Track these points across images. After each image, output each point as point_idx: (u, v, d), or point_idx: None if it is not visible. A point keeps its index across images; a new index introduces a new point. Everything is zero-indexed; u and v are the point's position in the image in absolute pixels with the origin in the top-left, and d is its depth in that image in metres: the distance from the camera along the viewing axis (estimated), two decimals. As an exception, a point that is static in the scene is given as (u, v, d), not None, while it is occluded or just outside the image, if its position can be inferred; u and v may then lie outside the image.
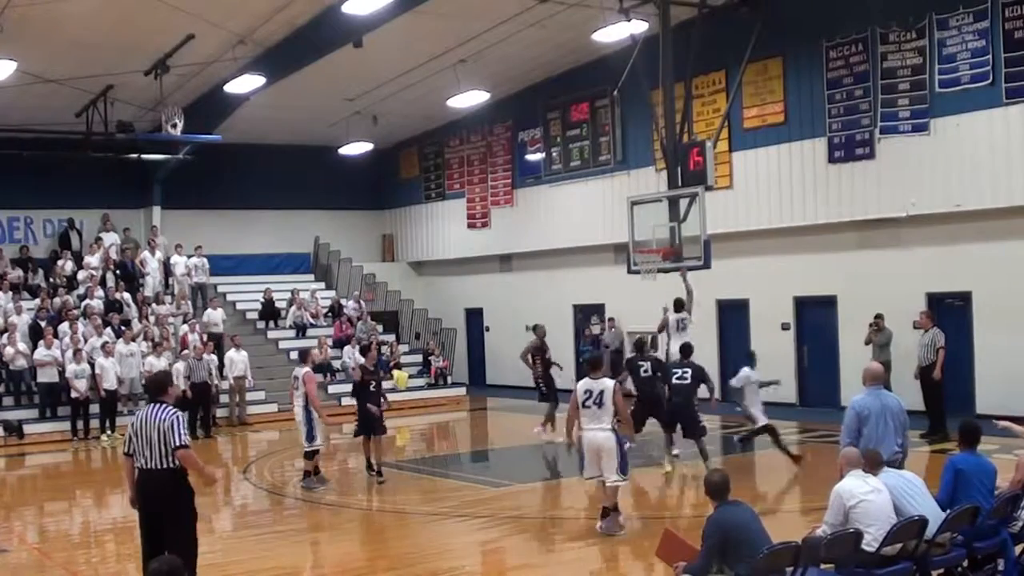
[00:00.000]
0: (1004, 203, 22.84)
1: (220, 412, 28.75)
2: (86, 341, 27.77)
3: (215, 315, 31.05)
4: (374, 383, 19.79)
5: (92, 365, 26.64)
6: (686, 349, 20.06)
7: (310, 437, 18.78)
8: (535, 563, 13.82)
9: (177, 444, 10.76)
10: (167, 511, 10.89)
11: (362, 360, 21.48)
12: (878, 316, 24.44)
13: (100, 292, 30.98)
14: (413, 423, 29.59)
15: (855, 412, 12.22)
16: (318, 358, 20.92)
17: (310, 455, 18.99)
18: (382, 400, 19.92)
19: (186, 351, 27.98)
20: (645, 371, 19.90)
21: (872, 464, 10.60)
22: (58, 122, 29.78)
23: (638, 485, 19.56)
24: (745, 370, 20.04)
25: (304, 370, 19.00)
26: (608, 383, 14.70)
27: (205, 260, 33.96)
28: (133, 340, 28.36)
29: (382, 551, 14.66)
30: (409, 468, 20.54)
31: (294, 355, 32.25)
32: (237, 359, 28.46)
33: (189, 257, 33.67)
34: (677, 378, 19.34)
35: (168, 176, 35.31)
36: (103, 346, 27.23)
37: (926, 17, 23.90)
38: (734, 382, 20.00)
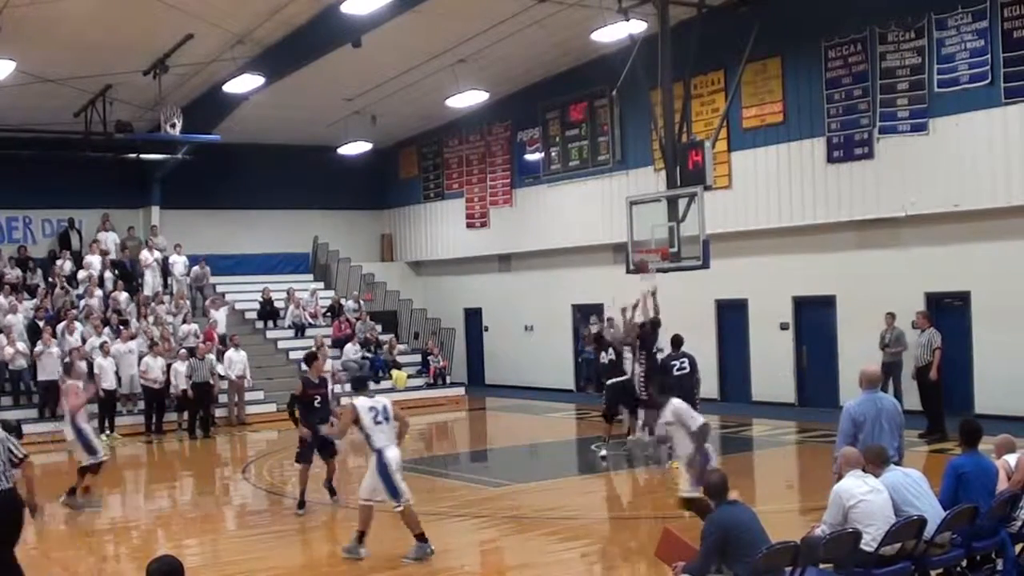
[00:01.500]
0: (1003, 203, 22.83)
1: (219, 412, 28.74)
2: (84, 341, 27.80)
3: (219, 315, 31.05)
4: (319, 398, 17.15)
5: (91, 365, 26.62)
6: (677, 340, 20.54)
7: (90, 450, 17.75)
8: (534, 563, 13.81)
9: (24, 454, 10.56)
10: (12, 534, 10.41)
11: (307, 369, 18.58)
12: (889, 315, 24.29)
13: (99, 292, 31.00)
14: (412, 423, 29.39)
15: (851, 417, 11.96)
16: (82, 370, 19.63)
17: (85, 470, 17.81)
18: (331, 419, 16.96)
19: (183, 351, 28.01)
20: (680, 368, 19.91)
21: (878, 460, 10.59)
22: (57, 122, 29.79)
23: (636, 484, 19.59)
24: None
25: (67, 383, 18.29)
26: (384, 398, 14.50)
27: (208, 270, 34.13)
28: (131, 339, 28.33)
29: (381, 551, 14.64)
30: (408, 468, 20.46)
31: (293, 355, 32.30)
32: (236, 359, 28.46)
33: (192, 266, 33.71)
34: (677, 369, 19.76)
35: (167, 176, 35.29)
36: (101, 346, 27.25)
37: (925, 17, 23.89)
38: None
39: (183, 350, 28.13)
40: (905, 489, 10.27)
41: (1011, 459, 11.24)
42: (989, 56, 22.77)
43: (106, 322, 29.26)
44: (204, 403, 27.25)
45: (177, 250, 33.73)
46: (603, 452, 20.73)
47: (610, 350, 21.75)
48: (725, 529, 9.18)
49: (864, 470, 10.29)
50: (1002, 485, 10.99)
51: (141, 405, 27.72)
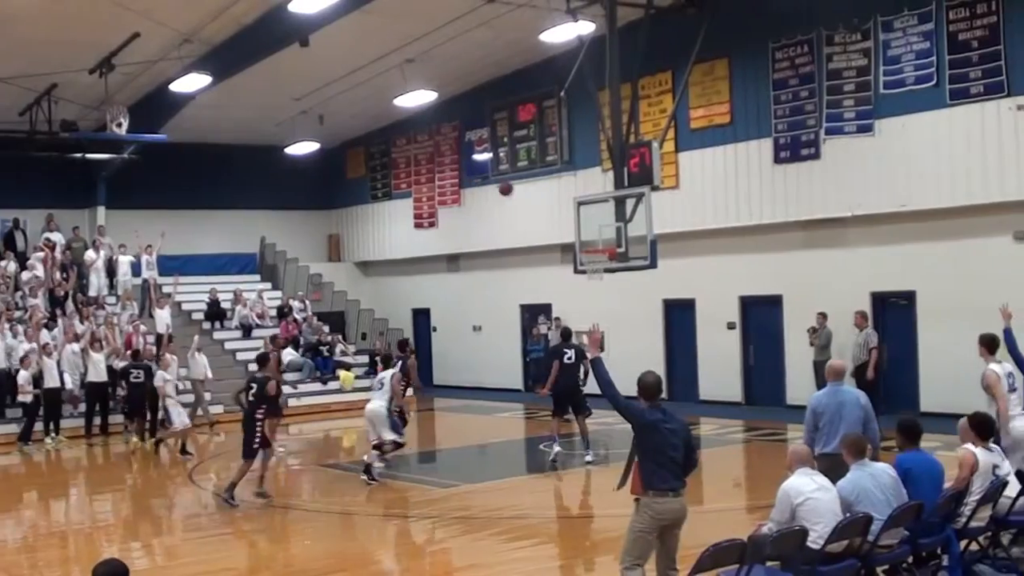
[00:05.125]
0: (948, 203, 23.05)
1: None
2: (30, 342, 27.46)
3: (162, 315, 30.67)
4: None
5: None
6: (567, 333, 21.56)
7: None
8: (483, 563, 13.81)
9: None
10: None
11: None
12: (820, 315, 24.67)
13: (44, 292, 30.70)
14: (360, 424, 29.43)
15: (811, 408, 12.55)
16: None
17: None
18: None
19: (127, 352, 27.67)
20: (568, 358, 20.45)
21: (853, 450, 10.62)
22: (1, 121, 29.52)
23: (585, 483, 19.63)
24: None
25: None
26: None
27: (153, 258, 33.63)
28: (77, 340, 28.01)
29: (330, 552, 14.62)
30: (357, 469, 20.49)
31: (241, 356, 32.11)
32: (199, 361, 28.11)
33: (137, 256, 33.23)
34: (567, 359, 20.39)
35: (113, 176, 35.03)
36: (44, 347, 26.91)
37: (871, 19, 24.09)
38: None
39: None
40: (867, 492, 10.28)
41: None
42: (934, 58, 22.99)
43: (53, 318, 29.01)
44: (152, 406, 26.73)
45: (122, 250, 33.40)
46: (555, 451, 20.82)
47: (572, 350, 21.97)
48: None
49: (809, 466, 10.36)
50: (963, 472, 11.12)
51: (83, 408, 27.35)
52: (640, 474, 9.82)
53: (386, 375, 19.54)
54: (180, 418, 23.87)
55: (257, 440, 17.50)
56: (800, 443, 11.83)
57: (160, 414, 24.85)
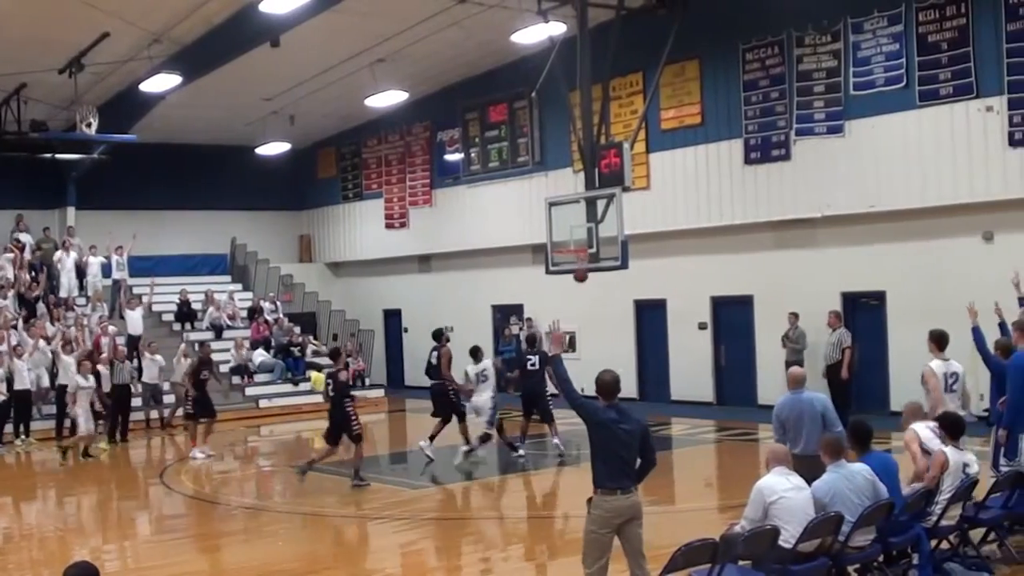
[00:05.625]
0: (917, 204, 23.16)
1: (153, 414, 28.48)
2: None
3: (134, 316, 30.53)
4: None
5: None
6: (532, 339, 22.51)
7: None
8: (455, 565, 13.81)
9: None
10: None
11: None
12: (792, 315, 24.75)
13: (13, 293, 30.52)
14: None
15: (776, 417, 12.76)
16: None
17: None
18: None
19: (103, 354, 27.48)
20: (532, 364, 21.33)
21: (829, 451, 10.66)
22: (-31, 121, 29.36)
23: (555, 483, 19.64)
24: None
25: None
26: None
27: (125, 258, 33.46)
28: (47, 342, 27.84)
29: (302, 554, 14.58)
30: (328, 470, 20.46)
31: (213, 356, 31.94)
32: (184, 365, 28.00)
33: (107, 257, 33.09)
34: (530, 365, 21.33)
35: (83, 176, 34.85)
36: (15, 348, 26.74)
37: (841, 20, 24.19)
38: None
39: (103, 353, 27.65)
40: (841, 494, 10.32)
41: (919, 428, 11.49)
42: (904, 59, 23.11)
43: (24, 320, 28.88)
44: (124, 407, 26.68)
45: (92, 251, 33.24)
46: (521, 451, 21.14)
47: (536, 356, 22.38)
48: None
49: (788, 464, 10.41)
50: (913, 448, 11.24)
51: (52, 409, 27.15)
52: (592, 472, 9.86)
53: (487, 364, 21.03)
54: (87, 423, 23.82)
55: (356, 426, 19.19)
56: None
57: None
